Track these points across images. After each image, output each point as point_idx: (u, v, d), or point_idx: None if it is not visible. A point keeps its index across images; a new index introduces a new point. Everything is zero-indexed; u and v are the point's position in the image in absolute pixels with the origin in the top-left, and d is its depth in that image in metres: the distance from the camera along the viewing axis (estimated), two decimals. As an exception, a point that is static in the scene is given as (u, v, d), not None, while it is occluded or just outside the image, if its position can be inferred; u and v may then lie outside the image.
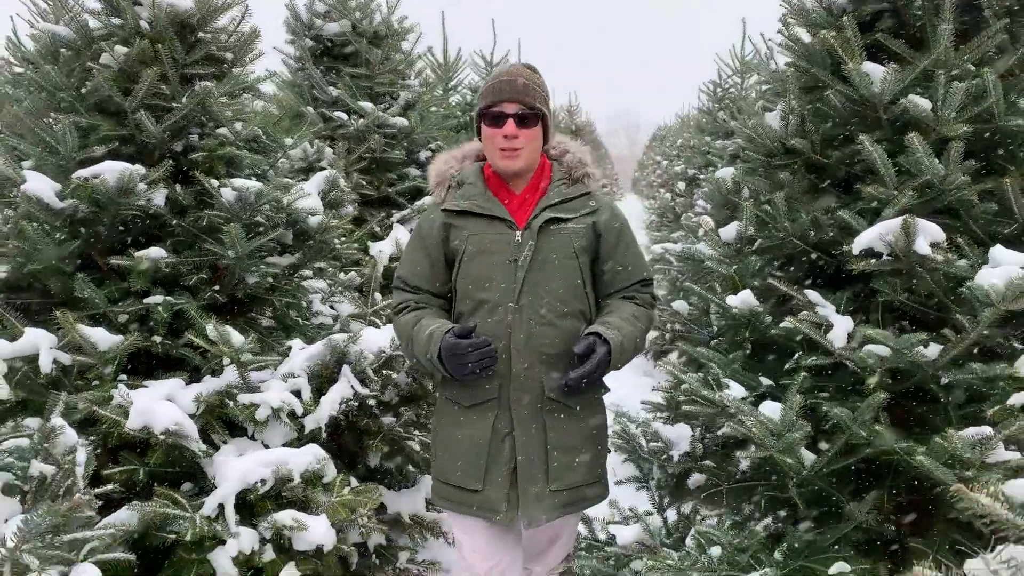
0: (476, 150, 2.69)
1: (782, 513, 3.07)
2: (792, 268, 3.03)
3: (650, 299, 2.69)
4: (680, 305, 3.45)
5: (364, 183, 5.27)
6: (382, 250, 5.11)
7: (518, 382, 2.44)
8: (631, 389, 4.71)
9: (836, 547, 2.57)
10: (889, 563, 2.54)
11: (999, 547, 1.03)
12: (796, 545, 2.59)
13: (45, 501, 1.75)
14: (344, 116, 5.45)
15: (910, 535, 2.57)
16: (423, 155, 5.97)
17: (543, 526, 2.56)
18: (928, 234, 2.43)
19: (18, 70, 3.80)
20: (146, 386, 3.13)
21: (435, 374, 2.57)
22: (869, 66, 2.74)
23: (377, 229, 5.43)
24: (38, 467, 1.81)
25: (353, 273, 4.42)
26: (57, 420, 2.03)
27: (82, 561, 1.76)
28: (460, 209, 2.50)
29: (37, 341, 2.98)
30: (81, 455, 2.14)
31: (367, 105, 5.49)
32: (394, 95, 5.91)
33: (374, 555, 3.72)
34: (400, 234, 5.27)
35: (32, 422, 2.76)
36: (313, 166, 5.12)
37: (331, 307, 4.32)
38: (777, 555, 2.56)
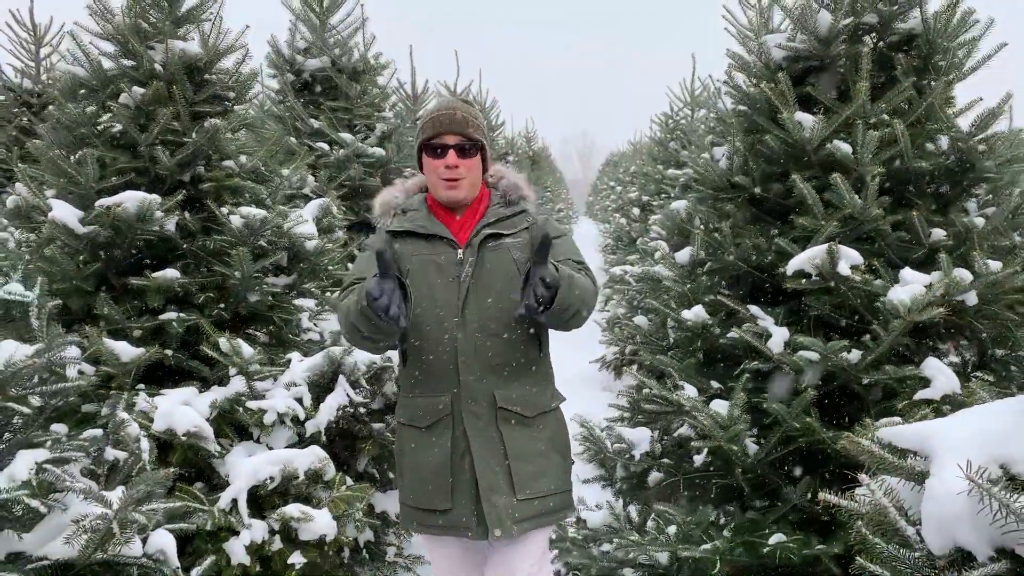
0: (419, 184, 2.72)
1: (731, 507, 3.51)
2: (738, 287, 3.49)
3: (590, 275, 2.57)
4: (640, 320, 3.90)
5: (344, 209, 5.64)
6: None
7: (468, 394, 2.45)
8: (590, 404, 5.11)
9: (776, 525, 3.01)
10: (820, 536, 2.98)
11: (879, 477, 1.46)
12: (742, 524, 3.02)
13: (117, 480, 2.10)
14: (325, 147, 5.83)
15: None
16: (397, 182, 6.36)
17: (515, 542, 2.49)
18: (849, 258, 2.91)
19: None
20: (163, 394, 3.46)
21: (378, 339, 2.42)
22: (801, 115, 3.23)
23: (356, 252, 5.79)
24: (112, 453, 2.15)
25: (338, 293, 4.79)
26: (123, 414, 2.37)
27: (153, 529, 2.11)
28: (403, 230, 2.54)
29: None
30: (144, 443, 2.48)
31: (347, 136, 5.88)
32: (371, 127, 6.31)
33: (364, 551, 4.06)
34: (378, 257, 5.64)
35: (58, 427, 3.08)
36: (296, 193, 5.48)
37: (314, 324, 4.67)
38: (725, 533, 3.00)
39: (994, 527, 1.16)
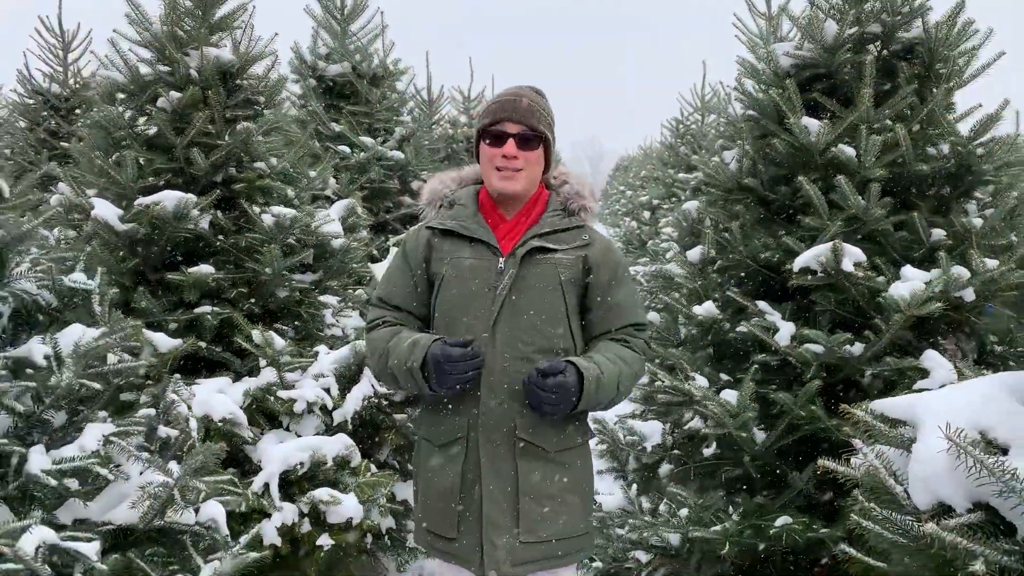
0: (475, 174, 2.53)
1: (738, 499, 3.66)
2: (746, 284, 3.65)
3: (643, 344, 2.45)
4: (652, 316, 4.06)
5: (367, 210, 5.82)
6: (379, 271, 5.66)
7: (488, 420, 2.25)
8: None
9: (782, 510, 3.17)
10: (824, 521, 3.13)
11: (875, 446, 1.62)
12: (750, 508, 3.18)
13: (169, 456, 2.27)
14: (347, 150, 6.01)
15: (841, 496, 3.17)
16: (415, 184, 6.55)
17: None
18: (852, 256, 3.07)
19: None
20: (199, 383, 3.64)
21: (410, 391, 2.44)
22: (807, 120, 3.39)
23: (375, 252, 5.97)
24: (164, 431, 2.33)
25: (361, 291, 4.97)
26: (173, 396, 2.55)
27: (204, 501, 2.28)
28: (445, 228, 2.36)
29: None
30: (193, 423, 2.65)
31: (367, 140, 6.07)
32: (390, 130, 6.50)
33: (386, 536, 4.23)
34: (397, 257, 5.83)
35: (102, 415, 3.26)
36: (319, 195, 5.67)
37: (336, 320, 4.85)
38: (734, 516, 3.15)
39: (970, 482, 1.32)
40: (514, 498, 2.25)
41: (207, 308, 3.80)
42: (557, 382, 2.14)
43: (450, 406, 2.31)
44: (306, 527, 3.49)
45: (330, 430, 3.79)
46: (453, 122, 10.39)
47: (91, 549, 1.77)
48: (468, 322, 2.28)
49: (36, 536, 1.71)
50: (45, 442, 1.95)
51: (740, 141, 3.88)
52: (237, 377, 3.84)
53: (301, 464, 3.51)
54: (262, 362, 3.84)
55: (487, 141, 2.37)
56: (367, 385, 3.93)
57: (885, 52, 3.56)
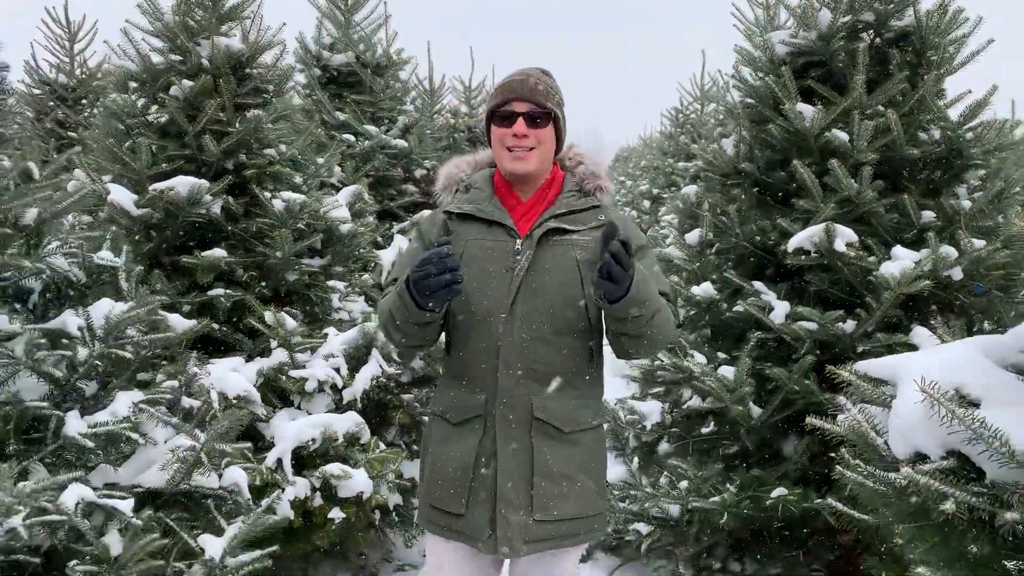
0: (490, 158, 2.53)
1: (735, 476, 3.79)
2: (743, 265, 3.76)
3: (671, 313, 2.38)
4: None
5: (371, 196, 5.92)
6: (385, 257, 5.78)
7: (505, 398, 2.26)
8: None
9: (778, 481, 3.29)
10: (818, 491, 3.25)
11: (859, 404, 1.73)
12: (747, 480, 3.30)
13: (192, 425, 2.39)
14: (351, 138, 6.11)
15: (833, 468, 3.30)
16: (418, 173, 6.65)
17: (535, 564, 2.38)
18: (844, 236, 3.19)
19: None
20: (213, 363, 3.76)
21: (410, 333, 2.30)
22: (802, 106, 3.50)
23: (379, 239, 6.08)
24: (187, 401, 2.44)
25: (367, 276, 5.08)
26: (195, 368, 2.67)
27: (225, 467, 2.40)
28: (462, 212, 2.38)
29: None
30: (213, 394, 2.77)
31: (372, 128, 6.17)
32: (393, 119, 6.60)
33: (394, 513, 4.35)
34: (401, 243, 5.94)
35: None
36: (324, 183, 5.77)
37: (343, 304, 4.97)
38: (732, 488, 3.28)
39: (943, 431, 1.43)
40: (528, 477, 2.25)
41: (220, 291, 3.91)
42: (620, 251, 2.02)
43: (468, 384, 2.31)
44: (318, 501, 3.61)
45: (340, 408, 3.91)
46: (454, 112, 10.48)
47: (126, 506, 1.88)
48: (486, 303, 2.28)
49: (75, 493, 1.83)
50: (79, 409, 2.06)
51: (737, 127, 3.99)
52: (249, 358, 3.95)
53: (313, 440, 3.63)
54: (273, 343, 3.95)
55: (496, 122, 2.36)
56: (375, 365, 4.05)
57: (878, 40, 3.67)
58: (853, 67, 3.50)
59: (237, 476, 2.45)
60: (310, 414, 3.87)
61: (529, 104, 2.32)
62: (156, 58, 4.22)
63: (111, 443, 2.06)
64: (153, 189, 3.83)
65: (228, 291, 3.93)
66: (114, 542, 1.90)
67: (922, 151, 3.46)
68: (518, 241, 2.32)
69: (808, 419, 1.77)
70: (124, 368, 2.25)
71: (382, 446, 3.96)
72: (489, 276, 2.30)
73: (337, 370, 3.91)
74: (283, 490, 3.54)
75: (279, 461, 3.57)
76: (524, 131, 2.31)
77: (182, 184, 3.83)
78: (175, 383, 2.42)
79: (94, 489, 1.92)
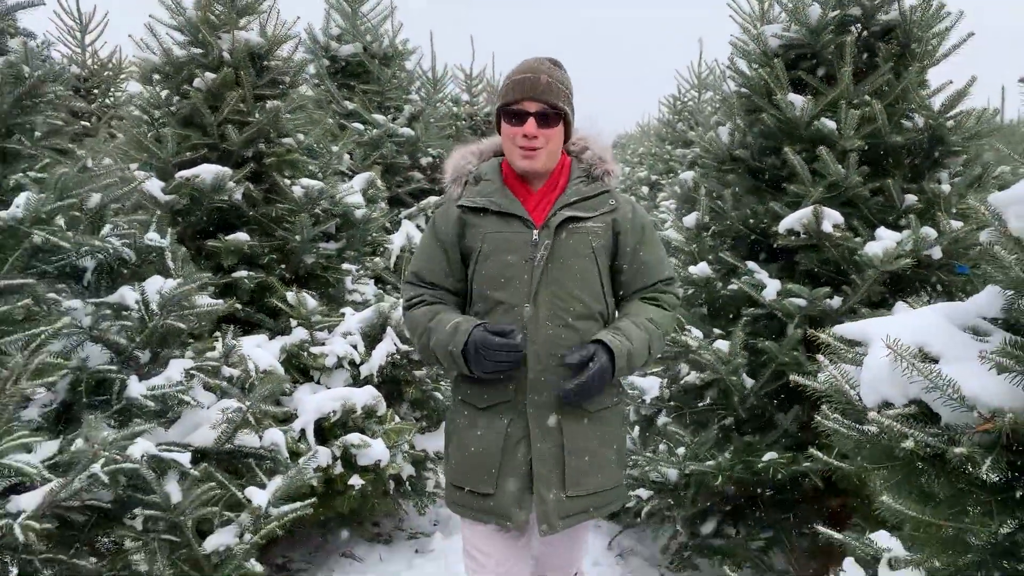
0: (495, 146, 2.57)
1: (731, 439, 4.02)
2: (737, 247, 3.99)
3: (673, 299, 2.59)
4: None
5: (380, 184, 6.14)
6: (394, 242, 6.01)
7: (534, 385, 2.34)
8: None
9: (769, 447, 3.53)
10: (806, 457, 3.49)
11: (836, 363, 1.96)
12: (740, 446, 3.54)
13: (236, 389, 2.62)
14: (360, 127, 6.33)
15: (813, 442, 3.54)
16: (424, 160, 6.87)
17: (560, 534, 2.43)
18: (831, 218, 3.42)
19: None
20: (237, 341, 3.99)
21: (449, 371, 2.50)
22: (793, 96, 3.72)
23: (388, 225, 6.30)
24: (227, 371, 2.67)
25: (378, 259, 5.31)
26: (232, 341, 2.89)
27: (267, 429, 2.63)
28: (476, 206, 2.42)
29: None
30: (250, 364, 3.00)
31: (379, 117, 6.39)
32: (399, 108, 6.81)
33: (407, 483, 4.60)
34: (409, 228, 6.17)
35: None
36: (335, 170, 5.99)
37: (356, 287, 5.20)
38: (726, 454, 3.52)
39: (906, 381, 1.66)
40: (560, 455, 2.34)
41: (243, 272, 4.13)
42: (594, 372, 2.24)
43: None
44: (339, 469, 3.85)
45: (357, 383, 4.15)
46: (456, 100, 10.67)
47: (185, 458, 2.11)
48: (508, 295, 2.35)
49: (140, 447, 2.06)
50: (137, 374, 2.29)
51: (732, 116, 4.21)
52: (271, 336, 4.18)
53: (334, 412, 3.87)
54: (293, 322, 4.19)
55: (507, 119, 2.39)
56: (390, 343, 4.28)
57: (865, 33, 3.88)
58: (841, 59, 3.72)
59: (276, 437, 2.68)
60: (329, 388, 4.11)
61: (540, 104, 2.34)
62: (178, 51, 4.43)
63: (167, 405, 2.29)
64: (180, 176, 4.05)
65: (251, 273, 4.16)
66: (173, 491, 2.13)
67: (905, 138, 3.68)
68: (535, 232, 2.37)
69: (792, 376, 2.00)
70: (175, 337, 2.48)
71: (397, 419, 4.20)
72: (510, 268, 2.36)
73: (355, 347, 4.15)
74: (315, 453, 3.77)
75: (302, 431, 3.81)
76: (535, 131, 2.34)
77: (207, 172, 4.05)
78: (216, 353, 2.64)
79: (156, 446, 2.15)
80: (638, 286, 2.52)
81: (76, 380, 2.13)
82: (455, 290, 2.51)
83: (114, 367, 2.19)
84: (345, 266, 4.96)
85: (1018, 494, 1.66)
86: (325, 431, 3.92)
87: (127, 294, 2.32)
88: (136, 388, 2.20)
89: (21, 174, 2.12)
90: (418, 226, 6.32)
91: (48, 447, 1.93)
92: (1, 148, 2.11)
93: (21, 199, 1.98)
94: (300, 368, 4.09)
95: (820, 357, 1.88)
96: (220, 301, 3.99)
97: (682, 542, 4.04)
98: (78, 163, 2.27)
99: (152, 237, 2.56)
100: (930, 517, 1.69)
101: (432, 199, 6.42)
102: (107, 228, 2.47)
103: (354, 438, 3.81)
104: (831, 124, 3.62)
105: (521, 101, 2.36)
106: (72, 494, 1.79)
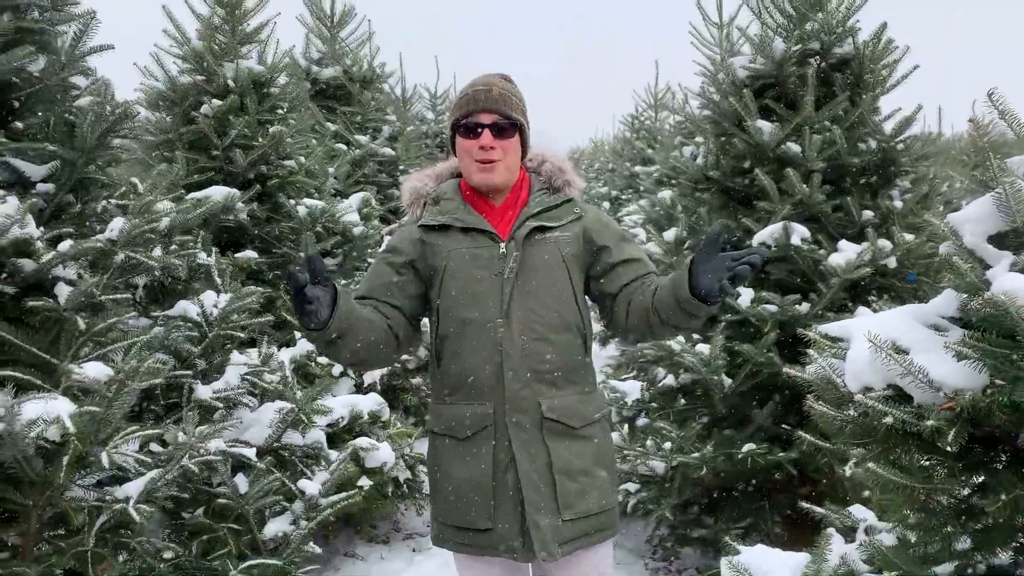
0: (451, 168, 2.47)
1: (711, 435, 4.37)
2: (712, 259, 4.35)
3: None
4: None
5: (375, 203, 6.41)
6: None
7: (514, 403, 2.22)
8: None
9: (747, 440, 3.88)
10: (781, 448, 3.85)
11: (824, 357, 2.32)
12: (721, 440, 3.89)
13: (269, 396, 2.87)
14: (343, 147, 6.60)
15: (796, 428, 3.91)
16: (402, 178, 7.18)
17: (571, 564, 2.33)
18: (799, 233, 3.80)
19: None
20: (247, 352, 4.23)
21: (320, 346, 2.27)
22: (761, 122, 4.11)
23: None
24: (268, 377, 2.92)
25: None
26: (269, 349, 3.15)
27: (309, 428, 2.89)
28: (439, 223, 2.30)
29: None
30: (287, 368, 3.26)
31: (362, 138, 6.67)
32: (378, 129, 7.10)
33: (404, 485, 4.86)
34: (392, 244, 6.45)
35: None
36: (331, 190, 6.25)
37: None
38: (708, 447, 3.86)
39: (884, 369, 2.02)
40: (549, 478, 2.22)
41: (252, 287, 4.37)
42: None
43: (471, 396, 2.25)
44: (351, 468, 4.10)
45: (361, 391, 4.41)
46: (421, 119, 10.98)
47: (251, 452, 2.37)
48: (479, 312, 2.24)
49: (213, 444, 2.31)
50: (199, 378, 2.54)
51: (702, 139, 4.59)
52: (278, 347, 4.43)
53: (342, 418, 4.12)
54: (297, 334, 4.44)
55: (462, 133, 2.31)
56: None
57: (823, 65, 4.30)
58: (803, 88, 4.12)
59: (318, 435, 2.95)
60: (335, 396, 4.36)
61: (494, 115, 2.28)
62: (183, 79, 4.67)
63: (228, 406, 2.55)
64: (191, 198, 4.28)
65: (259, 288, 4.39)
66: (240, 482, 2.38)
67: (861, 160, 4.10)
68: (502, 245, 2.28)
69: (785, 369, 2.34)
70: (227, 345, 2.74)
71: (399, 424, 4.47)
72: (479, 284, 2.26)
73: (358, 357, 4.41)
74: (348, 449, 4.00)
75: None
76: (491, 143, 2.27)
77: (216, 193, 4.29)
78: (256, 361, 2.90)
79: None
80: (632, 276, 2.36)
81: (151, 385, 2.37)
82: (395, 304, 2.30)
83: (188, 371, 2.45)
84: (343, 281, 5.22)
85: (975, 460, 2.02)
86: (334, 435, 4.17)
87: (188, 307, 2.57)
88: (203, 391, 2.45)
89: (105, 201, 2.37)
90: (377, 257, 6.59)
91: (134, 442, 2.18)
92: (82, 177, 2.36)
93: (116, 223, 2.23)
94: (307, 376, 4.34)
95: (812, 352, 2.23)
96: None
97: (666, 533, 4.38)
98: (154, 191, 2.52)
99: (200, 255, 2.81)
100: (906, 480, 2.04)
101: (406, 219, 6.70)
102: (158, 249, 2.72)
103: (363, 442, 4.06)
104: (796, 148, 4.02)
105: (475, 113, 2.30)
106: (167, 483, 2.04)
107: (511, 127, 2.31)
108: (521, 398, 2.22)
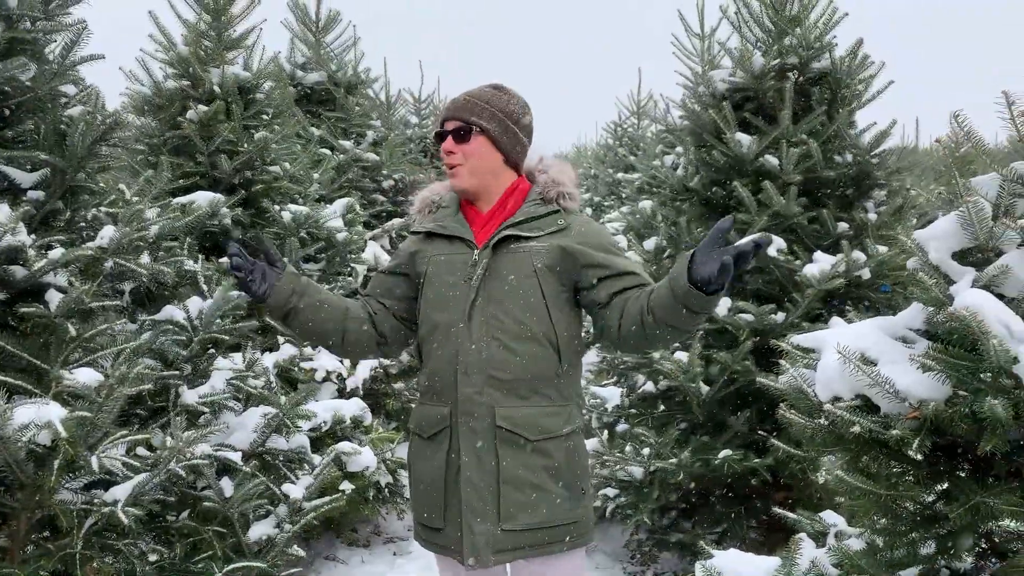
0: None
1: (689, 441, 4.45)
2: (691, 268, 4.43)
3: None
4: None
5: (359, 209, 6.45)
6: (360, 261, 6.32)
7: (467, 408, 2.26)
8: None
9: (724, 446, 3.96)
10: (756, 454, 3.93)
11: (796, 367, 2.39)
12: (698, 446, 3.97)
13: (253, 402, 2.91)
14: (328, 152, 6.64)
15: (772, 435, 3.99)
16: (386, 184, 7.21)
17: (527, 573, 2.34)
18: (775, 244, 3.89)
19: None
20: (230, 357, 4.26)
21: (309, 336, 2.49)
22: (740, 135, 4.19)
23: (353, 246, 6.62)
24: (252, 382, 2.96)
25: (350, 279, 5.62)
26: (255, 354, 3.19)
27: (293, 433, 2.94)
28: (425, 231, 2.44)
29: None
30: (271, 373, 3.29)
31: (347, 143, 6.71)
32: (363, 134, 7.14)
33: (385, 490, 4.90)
34: (375, 249, 6.48)
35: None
36: (315, 196, 6.28)
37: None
38: (686, 453, 3.94)
39: (853, 380, 2.09)
40: (495, 486, 2.24)
41: (234, 293, 4.40)
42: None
43: (435, 397, 2.33)
44: (333, 472, 4.14)
45: (344, 395, 4.46)
46: (406, 123, 11.03)
47: (236, 456, 2.41)
48: (446, 316, 2.32)
49: (199, 448, 2.35)
50: (184, 383, 2.58)
51: (682, 149, 4.68)
52: (261, 352, 4.46)
53: (325, 422, 4.17)
54: (280, 339, 4.48)
55: (436, 144, 2.45)
56: (374, 359, 4.61)
57: (801, 79, 4.39)
58: (781, 102, 4.22)
59: (302, 440, 3.00)
60: (317, 400, 4.40)
61: (454, 121, 2.37)
62: (169, 84, 4.70)
63: (213, 411, 2.59)
64: (176, 203, 4.31)
65: (243, 294, 4.43)
66: (226, 485, 2.43)
67: (837, 173, 4.19)
68: (475, 252, 2.34)
69: (758, 378, 2.42)
70: (211, 350, 2.78)
71: (381, 429, 4.52)
72: (450, 289, 2.33)
73: (341, 361, 4.46)
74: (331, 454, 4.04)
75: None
76: (451, 147, 2.36)
77: (201, 198, 4.32)
78: (241, 366, 2.94)
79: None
80: (629, 284, 2.33)
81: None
82: (385, 303, 2.46)
83: (176, 373, 2.49)
84: (326, 286, 5.26)
85: (938, 467, 2.10)
86: (317, 440, 4.21)
87: (174, 312, 2.62)
88: (189, 396, 2.49)
89: (95, 209, 2.41)
90: (383, 247, 6.64)
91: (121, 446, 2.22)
92: (72, 185, 2.40)
93: (107, 231, 2.28)
94: (290, 381, 4.37)
95: (784, 363, 2.30)
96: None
97: (644, 538, 4.46)
98: (144, 199, 2.56)
99: (187, 262, 2.86)
100: (873, 487, 2.11)
101: (397, 221, 6.75)
102: (146, 255, 2.76)
103: (345, 446, 4.11)
104: (774, 160, 4.11)
105: (444, 122, 2.41)
106: (155, 487, 2.09)
107: (470, 132, 2.35)
108: (474, 403, 2.26)
